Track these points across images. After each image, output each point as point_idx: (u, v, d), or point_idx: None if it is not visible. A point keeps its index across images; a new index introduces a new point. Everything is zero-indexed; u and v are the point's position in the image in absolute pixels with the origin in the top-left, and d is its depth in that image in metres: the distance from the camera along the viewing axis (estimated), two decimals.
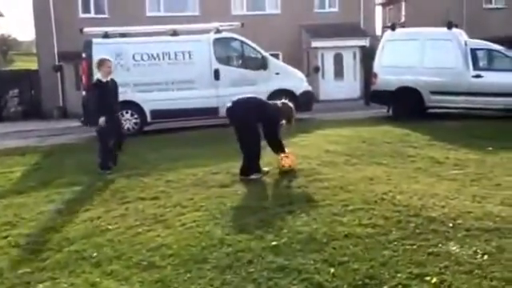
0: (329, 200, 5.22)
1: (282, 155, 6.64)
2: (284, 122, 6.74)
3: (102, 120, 7.46)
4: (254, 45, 13.17)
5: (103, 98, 7.50)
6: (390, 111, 12.79)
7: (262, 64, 13.04)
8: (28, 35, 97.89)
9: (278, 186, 6.01)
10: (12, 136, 14.50)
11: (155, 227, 4.88)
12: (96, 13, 21.29)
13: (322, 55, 22.48)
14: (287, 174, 6.46)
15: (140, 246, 4.44)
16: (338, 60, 22.67)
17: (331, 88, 22.16)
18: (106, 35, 12.54)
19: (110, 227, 5.00)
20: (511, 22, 23.63)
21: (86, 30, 12.80)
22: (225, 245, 4.29)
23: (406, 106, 12.15)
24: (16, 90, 21.74)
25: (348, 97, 20.96)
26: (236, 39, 13.16)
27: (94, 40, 12.30)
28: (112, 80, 7.72)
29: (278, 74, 13.13)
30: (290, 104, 6.77)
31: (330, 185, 5.82)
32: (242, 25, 13.51)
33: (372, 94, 13.29)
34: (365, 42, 21.64)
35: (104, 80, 7.59)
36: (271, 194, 5.71)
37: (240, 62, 13.19)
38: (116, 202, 5.93)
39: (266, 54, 13.28)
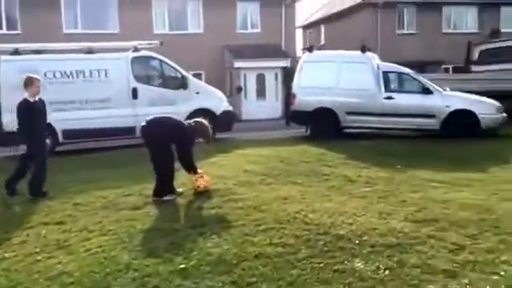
0: (242, 220, 5.22)
1: (197, 176, 6.58)
2: (201, 140, 6.67)
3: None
4: (173, 64, 13.07)
5: (30, 119, 7.01)
6: (309, 131, 13.11)
7: (181, 83, 12.95)
8: None
9: (190, 208, 5.94)
10: None
11: (56, 254, 4.64)
12: (8, 29, 20.28)
13: (245, 75, 22.75)
14: (202, 194, 6.41)
15: (38, 274, 4.20)
16: (261, 80, 23.03)
17: (253, 108, 22.44)
18: (15, 52, 11.95)
19: (6, 255, 4.70)
20: (421, 47, 25.21)
21: None
22: (131, 270, 4.14)
23: (323, 126, 12.53)
24: None
25: (270, 117, 21.30)
26: (155, 58, 13.00)
27: (2, 57, 11.70)
28: (40, 99, 7.23)
29: (198, 93, 13.10)
30: (205, 122, 6.72)
31: (245, 205, 5.83)
32: (161, 43, 13.36)
33: (291, 115, 13.59)
34: (286, 63, 22.16)
35: (31, 100, 7.10)
36: (183, 216, 5.62)
37: (159, 81, 13.02)
38: (16, 227, 5.58)
39: (186, 74, 13.23)
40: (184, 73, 13.14)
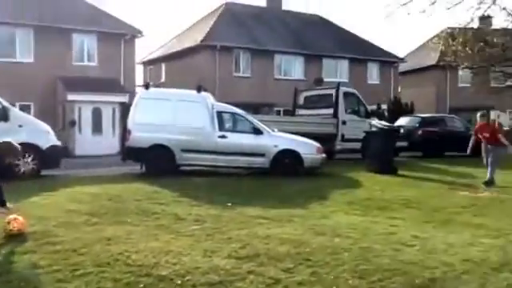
0: (57, 265, 4.79)
1: (11, 217, 5.93)
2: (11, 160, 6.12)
3: None
4: None
5: None
6: (144, 168, 12.83)
7: (1, 115, 11.71)
8: None
9: None
10: None
11: None
12: None
13: (80, 109, 21.67)
14: (15, 238, 5.76)
15: None
16: (97, 115, 22.14)
17: (89, 143, 21.38)
18: None
19: None
20: (256, 89, 26.73)
21: None
22: None
23: (159, 163, 12.36)
24: None
25: (106, 152, 20.42)
26: None
27: None
28: None
29: (21, 126, 11.96)
30: (11, 141, 6.16)
31: (62, 248, 5.37)
32: None
33: (126, 151, 13.17)
34: (124, 99, 21.65)
35: None
36: None
37: None
38: None
39: (7, 104, 12.02)
40: (4, 103, 11.93)
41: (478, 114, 12.56)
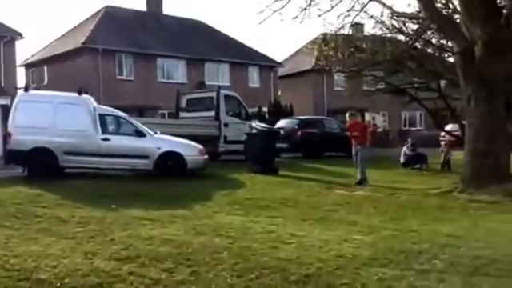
0: None
1: None
2: None
3: None
4: None
5: None
6: (26, 171, 12.07)
7: None
8: None
9: None
10: None
11: None
12: None
13: None
14: None
15: None
16: None
17: None
18: None
19: None
20: (140, 92, 26.15)
21: None
22: None
23: (41, 166, 11.71)
24: None
25: None
26: None
27: None
28: None
29: None
30: None
31: None
32: None
33: (7, 154, 12.30)
34: (6, 101, 19.90)
35: None
36: None
37: None
38: None
39: None
40: None
41: (348, 114, 13.20)
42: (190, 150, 13.02)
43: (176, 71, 29.24)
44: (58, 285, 4.28)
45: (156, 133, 13.23)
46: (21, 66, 29.31)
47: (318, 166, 16.16)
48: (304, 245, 5.88)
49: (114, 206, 8.25)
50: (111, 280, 4.46)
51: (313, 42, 26.61)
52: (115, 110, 13.31)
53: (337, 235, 6.44)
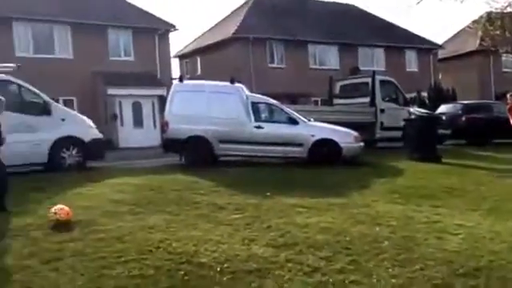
0: (101, 252, 4.94)
1: (57, 207, 6.18)
2: None
3: None
4: (34, 89, 12.15)
5: None
6: (183, 159, 13.01)
7: (44, 109, 12.03)
8: None
9: (46, 241, 5.47)
10: None
11: None
12: None
13: (120, 103, 22.16)
14: (62, 227, 5.98)
15: None
16: (137, 108, 22.60)
17: (131, 136, 21.90)
18: None
19: None
20: (291, 80, 26.59)
21: None
22: None
23: (197, 154, 12.52)
24: None
25: (148, 145, 20.86)
26: (11, 82, 11.94)
27: None
28: None
29: (63, 120, 12.31)
30: None
31: (107, 236, 5.54)
32: (18, 66, 12.36)
33: (164, 143, 13.41)
34: (162, 92, 21.96)
35: None
36: (37, 251, 5.15)
37: (18, 106, 11.93)
38: None
39: (49, 99, 12.35)
40: (46, 98, 12.25)
41: (508, 95, 12.57)
42: (345, 137, 12.87)
43: (328, 57, 29.20)
44: (218, 269, 4.41)
45: (310, 120, 13.26)
46: (175, 57, 31.99)
47: (486, 153, 15.36)
48: (473, 236, 5.65)
49: (268, 193, 8.39)
50: (269, 266, 4.49)
51: (476, 22, 25.36)
52: (267, 98, 13.67)
53: (509, 227, 6.07)
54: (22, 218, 6.54)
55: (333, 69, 27.18)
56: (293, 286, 4.06)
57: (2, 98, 7.65)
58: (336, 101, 19.12)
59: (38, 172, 11.63)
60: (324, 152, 12.51)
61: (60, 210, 6.16)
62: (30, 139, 11.47)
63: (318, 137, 12.66)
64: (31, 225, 6.20)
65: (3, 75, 11.94)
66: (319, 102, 25.97)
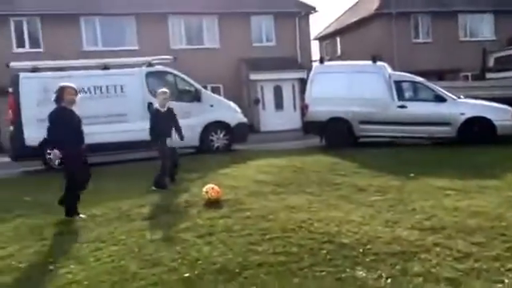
0: (248, 229, 5.24)
1: (208, 187, 6.69)
2: None
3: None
4: (187, 78, 13.20)
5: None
6: (323, 141, 13.08)
7: (195, 96, 13.05)
8: None
9: (200, 217, 5.95)
10: None
11: (68, 263, 4.68)
12: (31, 47, 20.80)
13: (262, 87, 22.86)
14: (212, 205, 6.45)
15: (49, 284, 4.24)
16: (278, 92, 23.12)
17: (272, 119, 22.52)
18: (34, 69, 12.23)
19: (20, 265, 4.74)
20: (438, 55, 24.96)
21: (12, 64, 12.47)
22: (137, 279, 4.18)
23: (338, 135, 12.49)
24: None
25: (288, 127, 21.28)
26: (168, 72, 13.14)
27: (21, 74, 12.02)
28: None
29: (212, 106, 13.20)
30: None
31: (252, 214, 5.85)
32: (175, 58, 13.56)
33: (304, 125, 13.59)
34: (302, 75, 22.15)
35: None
36: (192, 226, 5.63)
37: (173, 94, 13.05)
38: (33, 238, 5.66)
39: (199, 87, 13.35)
40: (197, 86, 13.26)
41: None
42: (501, 115, 11.86)
43: (481, 28, 26.73)
44: (361, 250, 4.40)
45: (459, 97, 12.41)
46: (315, 39, 31.89)
47: None
48: None
49: (412, 174, 8.12)
50: (414, 250, 4.36)
51: None
52: (411, 76, 13.07)
53: None
54: (179, 196, 7.19)
55: (487, 40, 24.87)
56: (441, 271, 3.89)
57: (167, 91, 8.51)
58: (489, 75, 17.48)
59: (190, 154, 12.61)
60: (475, 131, 11.66)
61: (211, 189, 6.65)
62: (185, 124, 12.44)
63: (468, 115, 11.83)
64: (187, 202, 6.79)
65: (161, 67, 13.15)
66: (469, 78, 24.03)
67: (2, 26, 20.59)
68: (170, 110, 8.49)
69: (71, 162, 6.39)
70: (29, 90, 11.79)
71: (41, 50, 20.61)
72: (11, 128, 11.90)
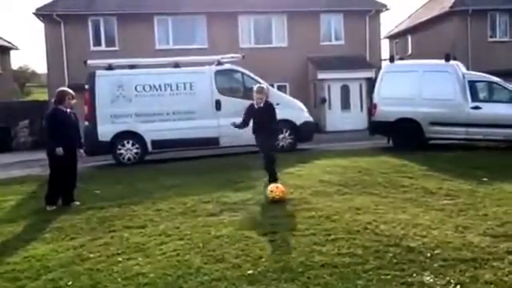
0: (312, 229, 5.20)
1: (273, 185, 6.72)
2: None
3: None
4: (254, 76, 13.28)
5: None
6: (391, 142, 12.74)
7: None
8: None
9: (264, 216, 5.99)
10: (18, 165, 14.64)
11: (135, 256, 4.85)
12: (107, 46, 21.79)
13: (329, 87, 22.61)
14: (277, 203, 6.47)
15: (117, 274, 4.40)
16: (345, 91, 22.76)
17: (338, 119, 22.22)
18: (109, 67, 12.76)
19: (91, 256, 4.96)
20: None
21: (89, 62, 13.07)
22: (201, 273, 4.26)
23: (406, 136, 12.13)
24: (26, 121, 22.11)
25: (354, 128, 20.91)
26: (237, 71, 13.29)
27: (97, 72, 12.55)
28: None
29: (278, 104, 13.11)
30: None
31: (317, 214, 5.80)
32: (243, 57, 13.69)
33: (372, 125, 13.28)
34: (371, 74, 21.69)
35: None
36: (256, 223, 5.67)
37: (241, 92, 13.23)
38: (103, 230, 5.91)
39: (267, 85, 13.35)
40: (263, 84, 13.27)
41: None
42: None
43: None
44: (429, 255, 4.25)
45: None
46: (385, 38, 31.10)
47: None
48: None
49: (485, 179, 7.74)
50: (486, 257, 4.16)
51: None
52: (487, 75, 12.45)
53: None
54: (243, 193, 7.26)
55: None
56: None
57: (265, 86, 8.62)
58: None
59: (254, 152, 12.67)
60: None
61: (276, 188, 6.67)
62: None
63: None
64: (250, 199, 6.84)
65: (229, 65, 13.33)
66: None
67: (81, 25, 21.70)
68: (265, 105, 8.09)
69: (54, 160, 7.20)
70: (104, 87, 12.31)
71: (116, 48, 21.52)
72: (86, 123, 12.46)
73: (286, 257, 4.44)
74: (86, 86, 12.47)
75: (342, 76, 22.20)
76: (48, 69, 22.25)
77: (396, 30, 31.66)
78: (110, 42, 21.90)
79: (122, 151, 12.50)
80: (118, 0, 21.97)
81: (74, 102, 7.50)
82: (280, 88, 19.93)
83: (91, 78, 12.45)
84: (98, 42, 21.94)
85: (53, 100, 7.52)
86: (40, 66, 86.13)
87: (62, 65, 21.39)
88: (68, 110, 7.39)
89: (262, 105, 7.94)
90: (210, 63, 13.29)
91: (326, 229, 5.18)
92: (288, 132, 13.08)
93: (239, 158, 11.58)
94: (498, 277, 3.76)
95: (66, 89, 7.78)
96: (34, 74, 55.63)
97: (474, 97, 11.88)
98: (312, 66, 22.62)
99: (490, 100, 12.02)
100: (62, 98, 7.36)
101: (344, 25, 23.40)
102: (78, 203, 7.44)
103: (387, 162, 9.79)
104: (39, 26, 22.05)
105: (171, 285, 4.10)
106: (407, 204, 6.29)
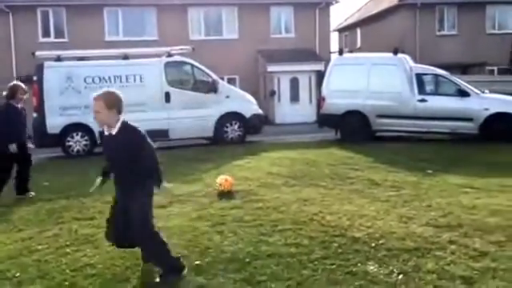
0: (260, 220, 5.24)
1: (222, 178, 6.70)
2: None
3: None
4: (204, 68, 13.22)
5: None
6: (339, 134, 12.96)
7: (212, 87, 13.05)
8: None
9: (212, 207, 5.96)
10: None
11: (84, 247, 4.78)
12: (56, 37, 21.13)
13: (278, 79, 22.74)
14: (225, 195, 6.45)
15: (65, 266, 4.32)
16: (294, 84, 22.96)
17: (287, 111, 22.39)
18: (58, 59, 12.47)
19: (39, 247, 4.86)
20: (463, 48, 24.42)
21: (37, 53, 12.83)
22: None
23: (353, 129, 12.36)
24: None
25: (303, 120, 21.13)
26: (187, 63, 13.17)
27: (46, 63, 12.28)
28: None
29: (228, 97, 13.18)
30: None
31: (264, 206, 5.85)
32: (193, 49, 13.61)
33: (320, 118, 13.48)
34: (320, 67, 21.96)
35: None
36: (204, 215, 5.64)
37: (191, 85, 13.15)
38: (51, 222, 5.81)
39: (217, 78, 13.34)
40: (214, 77, 13.26)
41: None
42: None
43: (510, 19, 25.99)
44: (373, 245, 4.36)
45: (483, 92, 12.15)
46: (334, 30, 31.53)
47: None
48: None
49: (430, 171, 8.01)
50: (429, 246, 4.31)
51: None
52: (434, 69, 12.85)
53: None
54: (192, 186, 7.20)
55: None
56: (455, 269, 3.83)
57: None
58: None
59: (204, 145, 12.62)
60: (500, 127, 11.33)
61: (224, 180, 6.65)
62: (200, 115, 12.58)
63: (492, 110, 11.54)
64: (199, 191, 6.80)
65: (179, 57, 13.19)
66: (495, 72, 23.49)
67: (29, 16, 20.97)
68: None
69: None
70: (52, 79, 12.07)
71: (65, 39, 20.90)
72: (34, 115, 12.08)
73: (234, 247, 4.45)
74: (35, 78, 12.23)
75: (292, 69, 22.36)
76: None
77: (345, 23, 32.19)
78: (59, 33, 21.28)
79: (71, 143, 12.30)
80: None
81: (25, 96, 7.44)
82: (230, 80, 19.88)
83: (39, 69, 12.19)
84: (46, 34, 21.30)
85: (4, 93, 7.35)
86: None
87: (9, 56, 20.68)
88: (19, 105, 7.34)
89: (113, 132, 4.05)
90: (159, 55, 13.14)
91: (273, 220, 5.22)
92: (237, 124, 13.11)
93: (188, 151, 11.49)
94: (439, 266, 3.90)
95: (18, 83, 7.61)
96: None
97: (421, 90, 12.23)
98: (262, 58, 22.67)
99: (436, 93, 12.37)
100: (13, 92, 7.28)
101: (294, 17, 23.57)
102: (33, 193, 7.39)
103: (335, 154, 9.96)
104: None
105: (119, 275, 4.06)
106: (353, 195, 6.42)
